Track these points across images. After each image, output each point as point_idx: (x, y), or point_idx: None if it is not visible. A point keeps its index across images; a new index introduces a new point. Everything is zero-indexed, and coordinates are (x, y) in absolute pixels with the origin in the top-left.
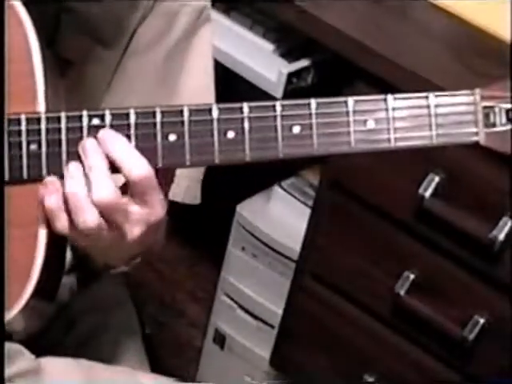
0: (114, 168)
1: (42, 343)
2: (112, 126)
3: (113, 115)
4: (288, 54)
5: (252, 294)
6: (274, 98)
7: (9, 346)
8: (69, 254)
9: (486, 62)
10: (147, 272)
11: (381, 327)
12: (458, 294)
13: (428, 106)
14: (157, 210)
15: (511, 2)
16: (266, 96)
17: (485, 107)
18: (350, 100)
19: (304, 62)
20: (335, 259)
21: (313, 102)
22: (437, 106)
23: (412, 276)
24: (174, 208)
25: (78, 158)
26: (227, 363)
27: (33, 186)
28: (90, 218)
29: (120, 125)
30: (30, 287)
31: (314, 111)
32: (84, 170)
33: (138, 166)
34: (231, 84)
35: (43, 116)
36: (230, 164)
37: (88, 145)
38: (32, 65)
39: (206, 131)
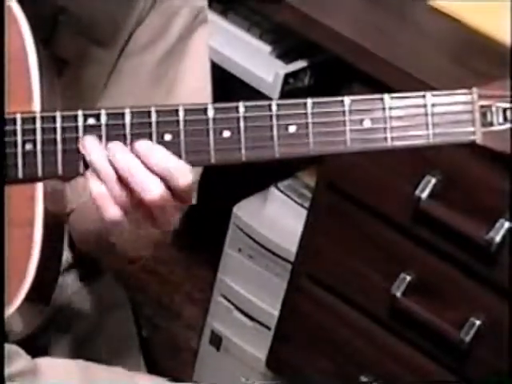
0: None
1: (39, 344)
2: (107, 126)
3: (108, 115)
4: (285, 56)
5: (248, 295)
6: (270, 99)
7: (6, 346)
8: (65, 254)
9: (484, 64)
10: (144, 274)
11: (377, 329)
12: (454, 296)
13: (425, 105)
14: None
15: (511, 5)
16: (262, 97)
17: (482, 106)
18: (347, 99)
19: (301, 64)
20: (331, 261)
21: (309, 101)
22: (433, 105)
23: (408, 277)
24: None
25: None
26: (223, 364)
27: (27, 186)
28: (153, 186)
29: (115, 124)
30: (26, 287)
31: (309, 110)
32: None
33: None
34: (228, 85)
35: (38, 115)
36: (227, 164)
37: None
38: (28, 64)
39: (201, 131)
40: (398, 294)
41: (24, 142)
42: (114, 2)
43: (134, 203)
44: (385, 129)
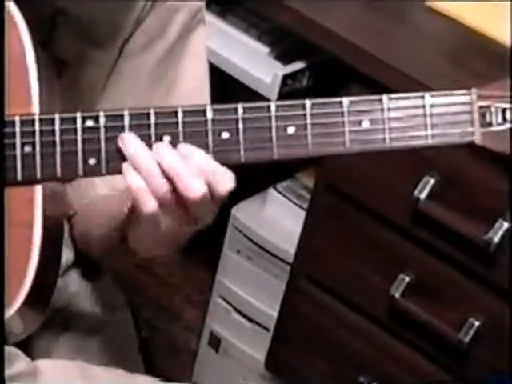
0: None
1: (38, 345)
2: (106, 128)
3: (107, 117)
4: (283, 57)
5: (247, 296)
6: (268, 101)
7: (5, 348)
8: (66, 254)
9: (483, 64)
10: (143, 275)
11: (376, 330)
12: (453, 297)
13: (423, 106)
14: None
15: (511, 5)
16: (260, 98)
17: (481, 107)
18: (345, 100)
19: (299, 65)
20: (330, 262)
21: (307, 102)
22: (432, 105)
23: (407, 278)
24: None
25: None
26: (222, 366)
27: (26, 189)
28: (197, 185)
29: (114, 126)
30: (25, 289)
31: (308, 112)
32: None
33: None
34: (226, 86)
35: (37, 118)
36: (225, 165)
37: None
38: (26, 66)
39: (200, 132)
40: (397, 295)
41: (23, 144)
42: (113, 3)
43: (174, 199)
44: (384, 129)
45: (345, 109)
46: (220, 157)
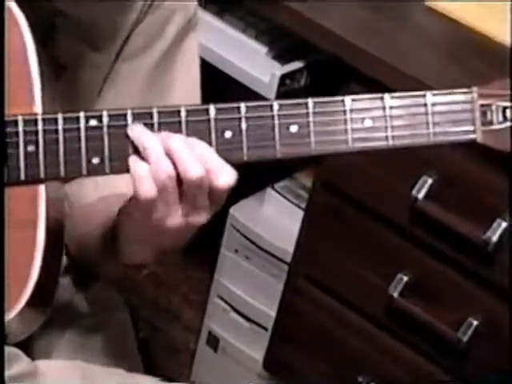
0: None
1: (38, 346)
2: (109, 127)
3: (110, 116)
4: (281, 56)
5: (245, 296)
6: (267, 100)
7: (6, 349)
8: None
9: (483, 64)
10: (141, 276)
11: (374, 329)
12: (451, 296)
13: (425, 105)
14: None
15: (511, 6)
16: (259, 98)
17: (482, 105)
18: (348, 99)
19: (297, 64)
20: (328, 261)
21: (310, 101)
22: (434, 104)
23: (405, 278)
24: None
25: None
26: (220, 365)
27: (29, 189)
28: (195, 167)
29: (117, 126)
30: (29, 290)
31: (311, 110)
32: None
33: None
34: (224, 86)
35: (40, 117)
36: (228, 163)
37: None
38: (29, 67)
39: (203, 131)
40: (396, 295)
41: (26, 144)
42: (111, 5)
43: (172, 185)
44: (386, 128)
45: (347, 107)
46: (223, 155)
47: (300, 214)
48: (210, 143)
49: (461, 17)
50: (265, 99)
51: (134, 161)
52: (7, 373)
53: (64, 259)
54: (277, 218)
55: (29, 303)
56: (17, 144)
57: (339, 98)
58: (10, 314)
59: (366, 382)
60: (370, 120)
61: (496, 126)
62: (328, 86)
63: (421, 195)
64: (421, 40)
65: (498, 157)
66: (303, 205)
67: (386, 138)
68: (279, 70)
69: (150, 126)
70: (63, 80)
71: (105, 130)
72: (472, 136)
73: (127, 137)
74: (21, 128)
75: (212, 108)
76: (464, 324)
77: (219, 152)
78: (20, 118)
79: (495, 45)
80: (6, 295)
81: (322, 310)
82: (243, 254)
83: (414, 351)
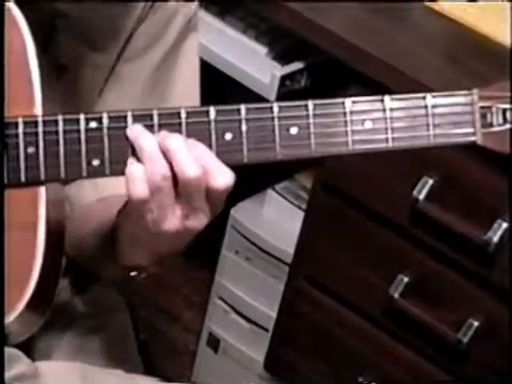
0: None
1: (39, 347)
2: (109, 129)
3: (110, 118)
4: (281, 57)
5: (246, 297)
6: (267, 101)
7: (6, 350)
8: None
9: (483, 65)
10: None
11: (375, 330)
12: (452, 297)
13: (425, 107)
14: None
15: (511, 6)
16: (259, 99)
17: (482, 107)
18: (348, 101)
19: (297, 65)
20: (329, 262)
21: (310, 103)
22: (434, 106)
23: (406, 279)
24: None
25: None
26: (221, 367)
27: (29, 191)
28: (192, 167)
29: (117, 127)
30: (29, 292)
31: (311, 112)
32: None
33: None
34: (224, 87)
35: (40, 119)
36: (228, 165)
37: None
38: (29, 68)
39: (203, 133)
40: (396, 296)
41: (26, 146)
42: (112, 7)
43: (167, 186)
44: (386, 129)
45: (347, 109)
46: (223, 157)
47: (300, 215)
48: (210, 145)
49: (461, 17)
50: (265, 100)
51: (130, 162)
52: (8, 374)
53: (63, 260)
54: (277, 219)
55: (29, 305)
56: (17, 146)
57: (339, 99)
58: (11, 316)
59: (367, 383)
60: (370, 122)
61: (496, 128)
62: (328, 86)
63: (421, 196)
64: (421, 40)
65: (498, 158)
66: (304, 206)
67: (387, 139)
68: (279, 70)
69: (150, 128)
70: (64, 81)
71: (105, 131)
72: (472, 138)
73: (127, 138)
74: (21, 130)
75: (212, 110)
76: (464, 325)
77: (219, 154)
78: (20, 120)
79: (495, 45)
80: (6, 297)
81: (322, 310)
82: (244, 255)
83: (414, 352)
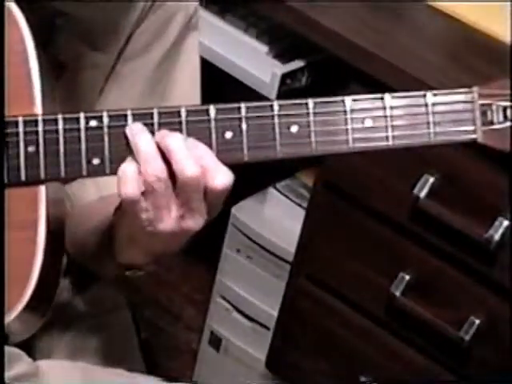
0: None
1: (39, 346)
2: (109, 128)
3: (110, 117)
4: (282, 56)
5: (247, 295)
6: (267, 100)
7: (7, 349)
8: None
9: (484, 63)
10: (142, 276)
11: (376, 328)
12: (453, 295)
13: (426, 105)
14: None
15: (511, 5)
16: (259, 97)
17: (482, 105)
18: (348, 99)
19: (298, 63)
20: (330, 260)
21: (310, 101)
22: (434, 104)
23: (407, 277)
24: None
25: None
26: (223, 365)
27: (30, 190)
28: (191, 167)
29: (117, 126)
30: (29, 291)
31: (311, 110)
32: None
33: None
34: (225, 86)
35: (40, 118)
36: (229, 164)
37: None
38: (29, 67)
39: (203, 131)
40: (397, 294)
41: (26, 145)
42: (112, 6)
43: (162, 187)
44: (386, 128)
45: (347, 107)
46: (223, 156)
47: (302, 213)
48: (210, 144)
49: (462, 15)
50: (266, 98)
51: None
52: (8, 373)
53: (64, 260)
54: (279, 218)
55: (29, 304)
56: (17, 145)
57: (339, 98)
58: (11, 315)
59: (369, 381)
60: (370, 120)
61: (496, 126)
62: (329, 85)
63: (422, 194)
64: (421, 39)
65: (499, 155)
66: (305, 204)
67: (387, 138)
68: (280, 69)
69: (151, 127)
70: (63, 80)
71: (105, 130)
72: (472, 136)
73: (126, 137)
74: (21, 129)
75: (212, 108)
76: (466, 323)
77: (219, 152)
78: (20, 119)
79: (496, 43)
80: (6, 296)
81: (324, 309)
82: (245, 254)
83: (416, 350)
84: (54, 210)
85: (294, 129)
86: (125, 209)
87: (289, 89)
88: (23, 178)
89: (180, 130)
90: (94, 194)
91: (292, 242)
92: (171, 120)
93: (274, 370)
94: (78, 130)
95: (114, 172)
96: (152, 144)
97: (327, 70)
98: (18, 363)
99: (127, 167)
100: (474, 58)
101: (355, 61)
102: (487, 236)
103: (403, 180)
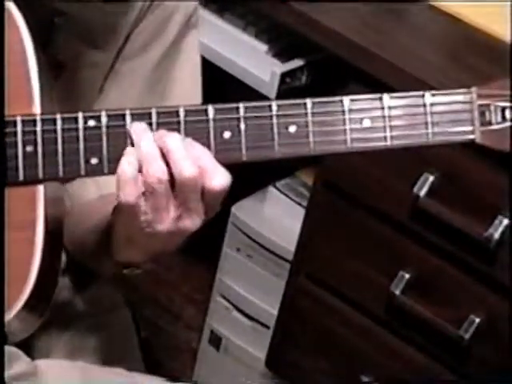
0: None
1: (38, 345)
2: (108, 128)
3: (109, 116)
4: (281, 54)
5: (247, 294)
6: (267, 98)
7: (6, 349)
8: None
9: (484, 62)
10: (142, 274)
11: (376, 327)
12: (453, 294)
13: (424, 105)
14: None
15: (511, 4)
16: (259, 96)
17: (480, 105)
18: (346, 99)
19: (297, 62)
20: (330, 259)
21: (308, 101)
22: (433, 104)
23: (407, 276)
24: None
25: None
26: (223, 364)
27: (28, 189)
28: (189, 168)
29: (116, 126)
30: (28, 290)
31: (309, 110)
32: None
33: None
34: (225, 85)
35: (39, 118)
36: (227, 164)
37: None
38: (27, 68)
39: (202, 131)
40: (397, 292)
41: (25, 144)
42: (111, 5)
43: (162, 189)
44: (384, 128)
45: (346, 107)
46: (222, 155)
47: (302, 212)
48: (208, 143)
49: (462, 15)
50: (265, 97)
51: (124, 162)
52: (7, 373)
53: (63, 259)
54: (279, 217)
55: (28, 303)
56: (15, 144)
57: (338, 98)
58: (9, 314)
59: (369, 381)
60: (368, 120)
61: (495, 127)
62: (329, 84)
63: (422, 193)
64: (421, 38)
65: (499, 154)
66: (305, 203)
67: (385, 138)
68: (280, 68)
69: (149, 126)
70: (62, 79)
71: (103, 130)
72: (471, 136)
73: (126, 137)
74: (19, 128)
75: (211, 108)
76: (466, 321)
77: (218, 152)
78: (19, 119)
79: (496, 43)
80: (5, 295)
81: (323, 308)
82: (245, 253)
83: (415, 349)
84: (52, 210)
85: (293, 129)
86: (122, 209)
87: (288, 88)
88: (21, 177)
89: (178, 130)
90: (94, 193)
91: (292, 241)
92: (170, 120)
93: (273, 369)
94: (77, 129)
95: (112, 172)
96: (154, 145)
97: (327, 69)
98: (17, 362)
99: (126, 168)
100: (475, 58)
101: (355, 60)
102: (487, 235)
103: (403, 179)
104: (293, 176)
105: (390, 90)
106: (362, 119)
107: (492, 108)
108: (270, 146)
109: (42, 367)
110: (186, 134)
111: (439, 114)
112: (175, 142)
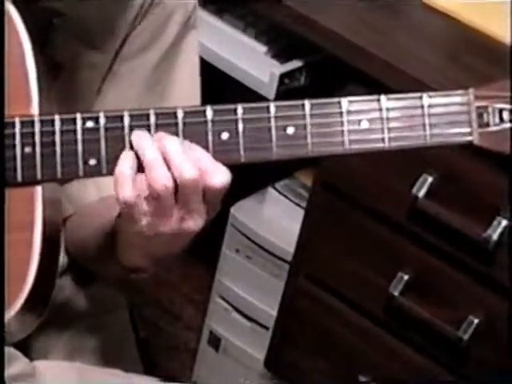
0: None
1: (36, 346)
2: (106, 129)
3: (107, 117)
4: (280, 55)
5: (246, 295)
6: (266, 99)
7: (4, 349)
8: (61, 257)
9: (482, 62)
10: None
11: (375, 328)
12: (452, 295)
13: (422, 106)
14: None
15: (511, 3)
16: (258, 97)
17: (478, 107)
18: (344, 100)
19: (296, 63)
20: (329, 260)
21: (307, 102)
22: (430, 106)
23: (406, 277)
24: None
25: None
26: (222, 365)
27: (26, 190)
28: (189, 170)
29: (114, 127)
30: (26, 291)
31: (307, 112)
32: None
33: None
34: (223, 85)
35: (37, 119)
36: (225, 165)
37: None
38: (26, 69)
39: (200, 132)
40: (396, 293)
41: (23, 145)
42: (109, 6)
43: (166, 196)
44: (382, 129)
45: (344, 109)
46: (220, 157)
47: (301, 213)
48: (206, 145)
49: (461, 15)
50: (264, 98)
51: (122, 162)
52: (5, 373)
53: (64, 259)
54: (278, 218)
55: (26, 304)
56: (14, 145)
57: (336, 99)
58: (8, 315)
59: (367, 381)
60: (366, 122)
61: (492, 128)
62: (327, 84)
63: (421, 194)
64: (420, 39)
65: (497, 155)
66: (304, 204)
67: (383, 139)
68: (278, 69)
69: (147, 128)
70: (61, 80)
71: (102, 131)
72: (469, 138)
73: (124, 138)
74: (18, 129)
75: (209, 109)
76: (465, 322)
77: (216, 154)
78: (17, 120)
79: (494, 43)
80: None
81: (322, 308)
82: (244, 254)
83: (414, 350)
84: (50, 211)
85: (291, 130)
86: (122, 210)
87: (287, 89)
88: (19, 178)
89: (176, 131)
90: (95, 195)
91: (291, 242)
92: (168, 121)
93: (272, 370)
94: (75, 130)
95: (110, 173)
96: (158, 151)
97: (325, 70)
98: (15, 363)
99: (124, 168)
100: (473, 59)
101: (353, 60)
102: (485, 235)
103: (402, 180)
104: (292, 177)
105: (388, 90)
106: (360, 121)
107: (490, 109)
108: (268, 147)
109: (40, 368)
110: (184, 136)
111: (437, 116)
112: (173, 145)
